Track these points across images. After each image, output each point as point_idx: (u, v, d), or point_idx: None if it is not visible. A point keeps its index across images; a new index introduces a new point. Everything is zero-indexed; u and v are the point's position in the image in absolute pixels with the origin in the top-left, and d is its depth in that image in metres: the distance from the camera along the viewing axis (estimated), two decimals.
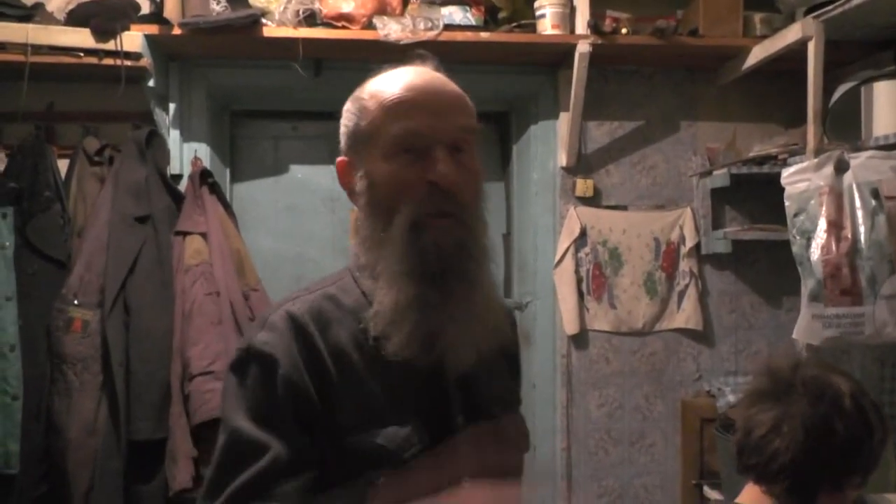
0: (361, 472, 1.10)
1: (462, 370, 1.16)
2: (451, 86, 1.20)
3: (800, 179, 2.46)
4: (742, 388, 2.87)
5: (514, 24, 2.83)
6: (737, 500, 1.60)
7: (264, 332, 1.14)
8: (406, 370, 1.13)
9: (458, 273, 1.13)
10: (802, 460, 1.47)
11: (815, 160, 2.43)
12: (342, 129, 1.24)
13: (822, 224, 2.36)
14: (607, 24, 2.81)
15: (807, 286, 2.42)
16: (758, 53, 2.82)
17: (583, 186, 3.06)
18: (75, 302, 2.49)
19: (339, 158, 1.24)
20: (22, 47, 2.49)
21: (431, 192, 1.12)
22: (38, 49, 2.51)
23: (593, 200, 3.08)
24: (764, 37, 2.82)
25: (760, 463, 1.51)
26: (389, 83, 1.19)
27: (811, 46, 2.52)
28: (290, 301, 1.19)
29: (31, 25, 2.52)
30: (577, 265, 3.06)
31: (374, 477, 1.10)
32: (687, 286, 3.09)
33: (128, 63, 2.56)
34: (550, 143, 3.07)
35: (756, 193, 3.07)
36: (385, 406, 1.13)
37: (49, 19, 2.60)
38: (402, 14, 2.75)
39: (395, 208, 1.13)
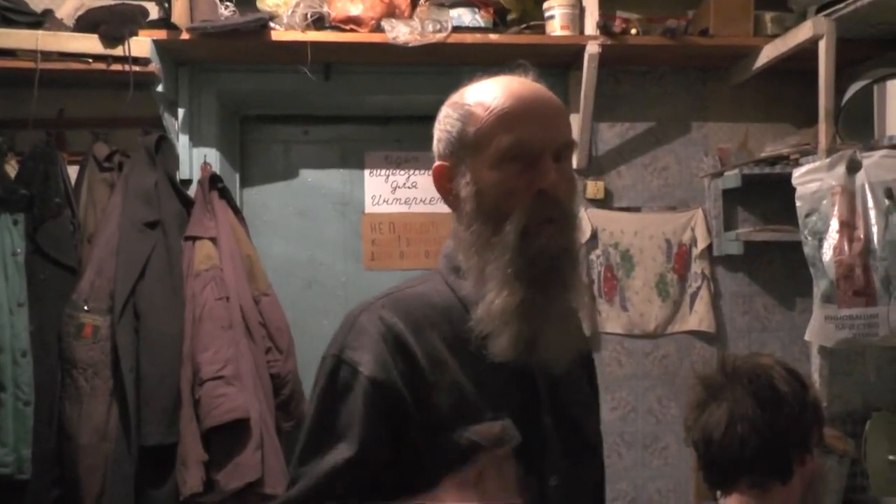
0: (455, 467, 1.12)
1: (556, 371, 1.22)
2: (554, 97, 1.25)
3: (811, 179, 2.44)
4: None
5: (523, 26, 2.82)
6: None
7: (353, 337, 1.18)
8: (500, 370, 1.17)
9: (560, 277, 1.19)
10: (768, 433, 1.51)
11: (827, 160, 2.41)
12: (440, 135, 1.27)
13: (835, 224, 2.34)
14: (617, 25, 2.79)
15: (819, 287, 2.39)
16: (769, 53, 2.80)
17: (594, 188, 3.04)
18: (86, 308, 2.50)
19: (437, 164, 1.27)
20: (32, 54, 2.50)
21: (540, 200, 1.17)
22: (47, 55, 2.52)
23: (604, 202, 3.07)
24: (775, 36, 2.79)
25: (733, 460, 1.54)
26: (497, 92, 1.22)
27: (822, 45, 2.50)
28: (379, 301, 1.22)
29: (40, 32, 2.53)
30: (589, 267, 3.04)
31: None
32: (699, 288, 3.07)
33: (136, 68, 2.57)
34: None
35: (768, 194, 3.04)
36: (479, 403, 1.17)
37: (58, 26, 2.62)
38: (410, 16, 2.74)
39: (505, 215, 1.17)
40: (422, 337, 1.18)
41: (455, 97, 1.27)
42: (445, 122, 1.26)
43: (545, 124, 1.20)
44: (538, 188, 1.17)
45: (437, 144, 1.28)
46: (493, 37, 2.75)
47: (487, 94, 1.23)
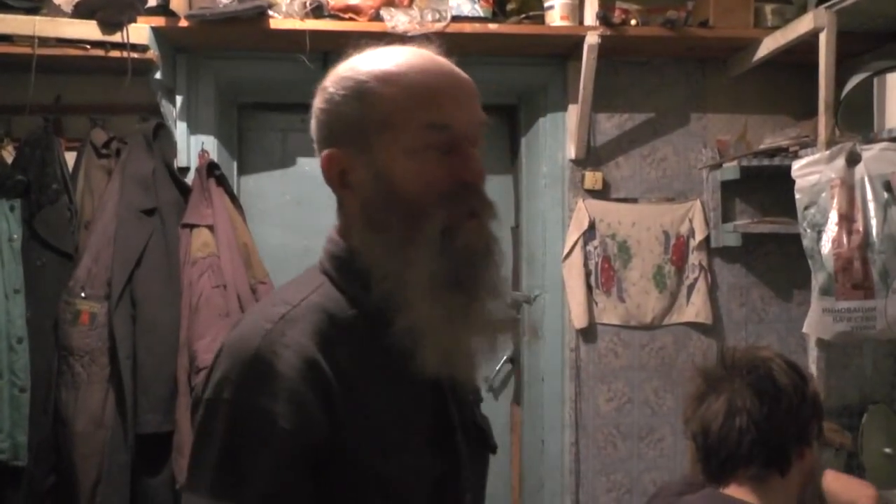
0: (375, 502, 1.02)
1: (470, 382, 1.11)
2: (465, 75, 1.09)
3: (811, 172, 2.44)
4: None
5: (523, 16, 2.81)
6: None
7: (257, 374, 0.98)
8: (409, 390, 1.05)
9: (482, 280, 1.06)
10: (766, 426, 1.51)
11: (827, 152, 2.41)
12: (323, 116, 1.08)
13: (834, 217, 2.34)
14: (617, 16, 2.78)
15: (817, 280, 2.39)
16: (769, 45, 2.79)
17: (592, 179, 3.04)
18: (83, 294, 2.49)
19: (327, 152, 1.07)
20: (29, 39, 2.48)
21: (464, 193, 1.04)
22: (45, 41, 2.49)
23: (602, 193, 3.06)
24: (775, 28, 2.79)
25: (730, 452, 1.53)
26: (403, 66, 1.05)
27: (823, 37, 2.49)
28: (277, 324, 1.02)
29: (38, 17, 2.51)
30: (586, 258, 3.04)
31: None
32: (696, 280, 3.07)
33: (134, 55, 2.55)
34: (559, 135, 3.05)
35: (767, 186, 3.04)
36: (393, 430, 1.04)
37: (56, 11, 2.59)
38: (409, 6, 2.73)
39: (422, 211, 1.02)
40: (331, 358, 1.00)
41: (343, 72, 1.08)
42: (334, 102, 1.07)
43: (463, 104, 1.05)
44: (463, 179, 1.03)
45: (322, 129, 1.08)
46: (493, 27, 2.75)
47: (392, 67, 1.05)
